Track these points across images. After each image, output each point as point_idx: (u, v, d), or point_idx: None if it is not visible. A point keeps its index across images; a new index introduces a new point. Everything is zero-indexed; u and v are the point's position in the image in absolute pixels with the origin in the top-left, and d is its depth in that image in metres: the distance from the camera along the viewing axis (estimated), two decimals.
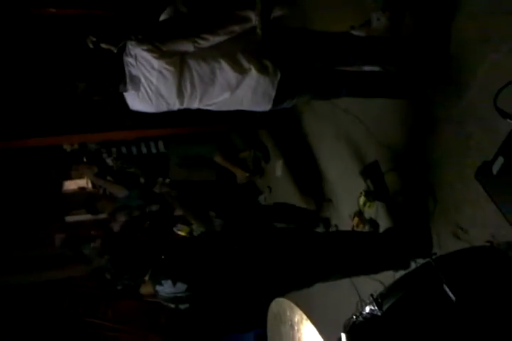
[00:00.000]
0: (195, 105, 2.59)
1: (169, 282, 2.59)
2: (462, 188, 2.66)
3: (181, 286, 2.58)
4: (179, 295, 2.61)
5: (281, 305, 2.05)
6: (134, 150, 4.98)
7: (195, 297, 2.65)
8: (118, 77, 2.45)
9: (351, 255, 2.85)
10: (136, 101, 2.56)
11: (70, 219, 6.27)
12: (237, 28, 2.43)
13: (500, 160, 1.77)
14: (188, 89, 2.46)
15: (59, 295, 5.99)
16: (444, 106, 2.77)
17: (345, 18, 3.39)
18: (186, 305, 2.67)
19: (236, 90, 2.49)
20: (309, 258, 2.78)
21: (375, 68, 2.89)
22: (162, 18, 2.65)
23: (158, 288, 2.63)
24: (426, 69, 2.79)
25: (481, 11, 2.51)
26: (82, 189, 6.38)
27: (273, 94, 2.51)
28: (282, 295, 3.02)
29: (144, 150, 5.00)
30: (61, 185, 6.31)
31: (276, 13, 2.54)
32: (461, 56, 2.63)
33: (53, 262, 5.54)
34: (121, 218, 4.63)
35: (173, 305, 2.69)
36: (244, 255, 2.74)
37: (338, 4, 3.62)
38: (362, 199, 3.46)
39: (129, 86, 2.47)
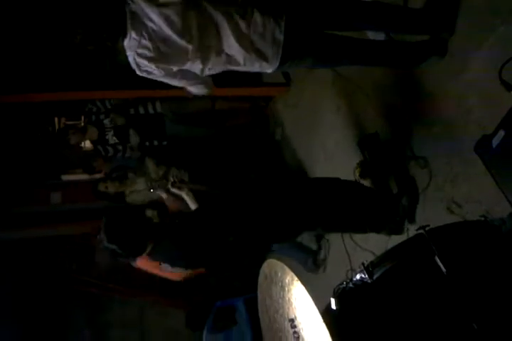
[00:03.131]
0: (205, 58, 2.47)
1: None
2: (460, 163, 2.66)
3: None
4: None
5: (272, 266, 2.07)
6: (131, 110, 4.91)
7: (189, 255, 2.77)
8: (118, 23, 2.36)
9: (333, 201, 2.97)
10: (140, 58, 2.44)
11: (66, 178, 6.27)
12: None
13: (501, 133, 1.76)
14: (193, 32, 2.37)
15: (55, 251, 6.05)
16: (447, 78, 2.75)
17: None
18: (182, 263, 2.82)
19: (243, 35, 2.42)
20: (294, 203, 2.91)
21: (380, 35, 2.84)
22: None
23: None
24: (432, 36, 2.74)
25: None
26: (79, 148, 6.34)
27: (281, 38, 2.43)
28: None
29: (142, 110, 4.92)
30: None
31: None
32: (468, 26, 2.59)
33: (48, 219, 5.57)
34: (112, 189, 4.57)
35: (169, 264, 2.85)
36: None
37: None
38: (357, 170, 3.45)
39: (129, 30, 2.35)
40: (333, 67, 2.89)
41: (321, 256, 4.30)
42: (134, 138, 4.87)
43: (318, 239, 4.32)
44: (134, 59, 2.42)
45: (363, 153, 3.43)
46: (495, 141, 1.78)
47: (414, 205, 3.03)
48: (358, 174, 3.44)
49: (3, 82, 4.23)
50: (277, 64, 2.51)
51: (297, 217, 2.95)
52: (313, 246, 4.37)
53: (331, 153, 4.02)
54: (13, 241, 5.51)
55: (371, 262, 1.74)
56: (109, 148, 4.87)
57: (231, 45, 2.44)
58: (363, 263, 1.73)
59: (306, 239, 4.31)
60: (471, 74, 2.59)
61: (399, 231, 3.07)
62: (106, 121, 4.87)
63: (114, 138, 4.85)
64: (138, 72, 2.49)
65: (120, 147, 4.87)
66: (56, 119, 5.94)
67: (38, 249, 5.87)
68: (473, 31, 2.57)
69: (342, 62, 2.86)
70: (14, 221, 5.37)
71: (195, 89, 2.69)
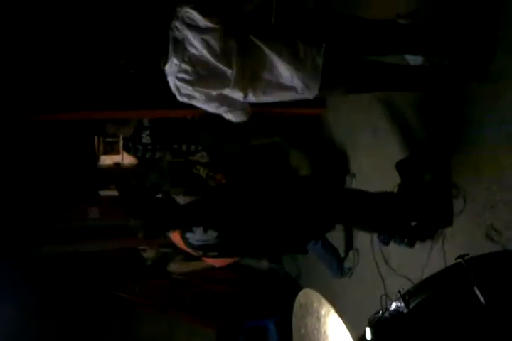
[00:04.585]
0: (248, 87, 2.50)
1: (200, 229, 2.65)
2: (499, 189, 2.61)
3: (212, 233, 2.64)
4: (210, 242, 2.67)
5: (308, 296, 2.06)
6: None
7: (224, 244, 2.73)
8: (161, 48, 2.43)
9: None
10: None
11: (104, 193, 6.37)
12: None
13: None
14: (233, 57, 2.42)
15: (89, 267, 6.13)
16: (487, 103, 2.72)
17: (392, 5, 3.33)
18: (215, 254, 2.75)
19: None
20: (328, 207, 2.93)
21: (419, 60, 2.84)
22: None
23: (188, 235, 2.71)
24: (470, 62, 2.73)
25: None
26: (117, 165, 6.46)
27: (321, 65, 2.45)
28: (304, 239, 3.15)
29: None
30: (97, 160, 6.40)
31: None
32: (508, 51, 2.57)
33: (87, 234, 5.66)
34: None
35: (201, 253, 2.78)
36: (267, 203, 2.83)
37: None
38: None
39: (171, 55, 2.42)
40: (371, 91, 2.90)
41: (348, 264, 4.28)
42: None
43: (348, 248, 4.30)
44: (175, 83, 2.48)
45: (401, 176, 3.39)
46: None
47: (442, 227, 3.01)
48: None
49: (46, 101, 4.35)
50: (316, 91, 2.52)
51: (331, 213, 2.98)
52: (342, 254, 4.36)
53: (367, 173, 4.00)
54: (51, 256, 5.60)
55: (408, 290, 1.72)
56: (140, 147, 4.98)
57: (273, 73, 2.47)
58: (399, 291, 1.72)
59: (337, 245, 4.30)
60: (509, 101, 2.55)
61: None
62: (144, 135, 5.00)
63: (148, 137, 4.97)
64: (179, 97, 2.55)
65: (150, 147, 4.98)
66: (96, 138, 6.07)
67: (74, 263, 5.95)
68: None
69: (380, 88, 2.87)
70: (53, 236, 5.47)
71: (233, 117, 2.70)
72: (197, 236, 2.67)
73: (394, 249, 3.31)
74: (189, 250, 2.90)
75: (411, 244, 3.18)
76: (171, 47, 2.41)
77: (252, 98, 2.54)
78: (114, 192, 6.22)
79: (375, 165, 3.88)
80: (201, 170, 5.18)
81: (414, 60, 2.91)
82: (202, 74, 2.43)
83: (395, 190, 3.40)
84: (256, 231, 2.76)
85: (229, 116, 2.68)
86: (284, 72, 2.46)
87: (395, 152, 3.51)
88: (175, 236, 2.93)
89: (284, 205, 2.85)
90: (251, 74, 2.47)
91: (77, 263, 5.96)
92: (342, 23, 2.68)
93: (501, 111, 2.62)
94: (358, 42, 2.65)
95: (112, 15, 4.02)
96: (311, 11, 2.89)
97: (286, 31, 2.55)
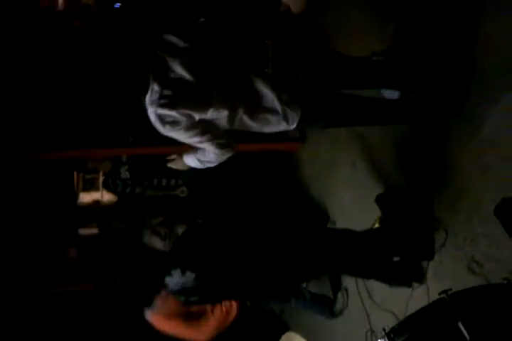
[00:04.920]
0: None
1: (178, 271, 2.61)
2: (479, 222, 2.63)
3: (190, 275, 2.60)
4: (188, 285, 2.63)
5: (292, 339, 2.02)
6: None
7: (203, 286, 2.67)
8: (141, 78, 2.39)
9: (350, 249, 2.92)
10: None
11: (83, 232, 6.27)
12: None
13: None
14: (215, 78, 2.43)
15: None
16: (464, 135, 2.76)
17: (367, 43, 3.41)
18: (196, 298, 2.70)
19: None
20: (310, 252, 2.85)
21: (396, 94, 2.88)
22: None
23: (167, 279, 2.65)
24: (446, 96, 2.78)
25: (506, 42, 2.51)
26: (96, 202, 6.41)
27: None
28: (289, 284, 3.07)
29: None
30: (76, 197, 6.34)
31: None
32: (483, 85, 2.62)
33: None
34: None
35: (183, 299, 2.72)
36: (248, 244, 2.78)
37: (360, 28, 3.65)
38: (377, 226, 3.43)
39: (151, 83, 2.37)
40: (348, 126, 2.94)
41: (339, 305, 4.21)
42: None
43: (335, 288, 4.24)
44: (156, 113, 2.39)
45: (382, 209, 3.40)
46: None
47: (423, 261, 3.00)
48: None
49: (33, 140, 4.34)
50: (295, 124, 2.54)
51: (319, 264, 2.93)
52: (330, 295, 4.29)
53: (348, 209, 3.99)
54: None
55: (392, 328, 1.69)
56: (119, 182, 4.95)
57: (256, 93, 2.48)
58: (384, 329, 1.69)
59: (323, 288, 4.24)
60: (487, 131, 2.60)
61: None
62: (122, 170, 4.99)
63: (127, 172, 4.94)
64: (162, 130, 2.44)
65: (129, 182, 4.95)
66: (76, 174, 6.02)
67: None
68: (488, 90, 2.59)
69: (357, 122, 2.90)
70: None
71: (218, 151, 2.54)
72: (175, 279, 2.63)
73: (377, 283, 3.28)
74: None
75: (400, 284, 3.14)
76: (151, 75, 2.36)
77: (237, 121, 2.49)
78: (95, 230, 6.14)
79: (355, 200, 3.88)
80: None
81: (391, 94, 2.95)
82: (184, 96, 2.38)
83: (376, 223, 3.41)
84: (234, 273, 2.73)
85: (213, 150, 2.53)
86: (267, 93, 2.47)
87: (375, 186, 3.52)
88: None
89: (263, 248, 2.82)
90: (234, 93, 2.45)
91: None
92: (321, 56, 2.72)
93: (478, 143, 2.65)
94: (335, 76, 2.69)
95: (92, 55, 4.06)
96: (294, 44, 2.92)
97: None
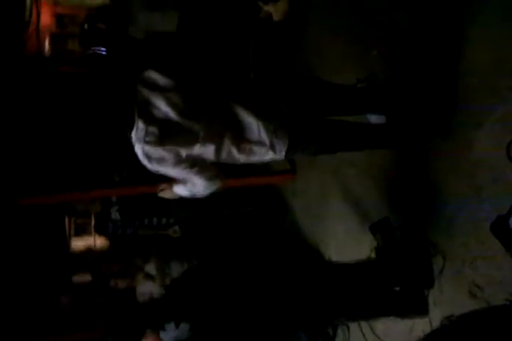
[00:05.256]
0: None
1: (172, 325, 2.55)
2: (476, 244, 2.57)
3: (184, 326, 2.55)
4: (183, 337, 2.58)
5: None
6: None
7: (199, 336, 2.63)
8: (126, 116, 2.38)
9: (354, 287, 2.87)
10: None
11: (76, 279, 6.13)
12: None
13: None
14: (200, 112, 2.41)
15: None
16: (453, 157, 2.73)
17: (350, 69, 3.42)
18: None
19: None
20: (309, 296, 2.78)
21: (381, 119, 2.87)
22: None
23: (162, 334, 2.58)
24: (433, 119, 2.77)
25: (487, 64, 2.52)
26: (89, 249, 6.29)
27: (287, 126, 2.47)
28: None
29: None
30: (68, 243, 6.23)
31: None
32: (469, 105, 2.62)
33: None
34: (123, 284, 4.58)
35: None
36: (241, 291, 2.72)
37: (344, 54, 3.68)
38: (373, 255, 3.35)
39: (137, 120, 2.37)
40: (336, 152, 2.91)
41: None
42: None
43: (335, 326, 4.11)
44: (143, 149, 2.37)
45: (376, 239, 3.33)
46: None
47: (425, 289, 2.91)
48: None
49: (22, 184, 4.29)
50: (283, 153, 2.51)
51: (319, 307, 2.82)
52: (330, 331, 4.16)
53: (342, 240, 3.92)
54: None
55: None
56: (110, 224, 4.88)
57: (241, 125, 2.45)
58: None
59: None
60: (477, 152, 2.58)
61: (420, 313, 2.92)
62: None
63: (117, 213, 4.87)
64: (149, 166, 2.42)
65: (120, 223, 4.89)
66: (67, 219, 5.93)
67: None
68: (473, 110, 2.59)
69: (346, 148, 2.87)
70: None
71: (206, 184, 2.52)
72: (170, 333, 2.55)
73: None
74: None
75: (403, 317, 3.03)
76: (136, 113, 2.35)
77: (223, 154, 2.46)
78: (88, 277, 6.01)
79: (349, 231, 3.82)
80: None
81: (377, 118, 2.93)
82: (169, 133, 2.36)
83: (372, 253, 3.34)
84: (229, 321, 2.64)
85: (201, 183, 2.51)
86: (251, 123, 2.45)
87: (368, 215, 3.47)
88: None
89: (259, 293, 2.75)
90: (219, 127, 2.43)
91: None
92: (306, 83, 2.72)
93: (468, 164, 2.63)
94: (320, 104, 2.68)
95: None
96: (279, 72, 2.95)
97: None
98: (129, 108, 2.37)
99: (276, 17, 4.45)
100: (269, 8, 4.41)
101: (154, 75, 2.43)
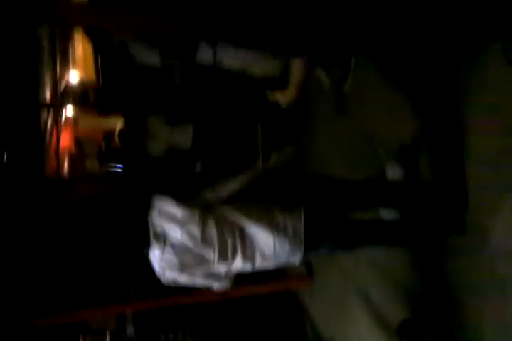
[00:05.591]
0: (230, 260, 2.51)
1: None
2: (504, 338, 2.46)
3: None
4: None
5: None
6: None
7: None
8: (142, 237, 2.46)
9: None
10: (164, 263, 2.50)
11: None
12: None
13: None
14: (214, 240, 2.44)
15: None
16: (471, 250, 2.69)
17: (362, 168, 3.48)
18: None
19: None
20: None
21: (394, 214, 2.87)
22: None
23: None
24: (447, 213, 2.77)
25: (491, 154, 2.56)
26: None
27: (302, 230, 2.48)
28: None
29: None
30: None
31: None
32: (481, 201, 2.62)
33: None
34: None
35: None
36: None
37: (353, 154, 3.77)
38: None
39: (153, 244, 2.44)
40: (353, 250, 2.89)
41: None
42: None
43: None
44: (160, 267, 2.47)
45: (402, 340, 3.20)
46: None
47: None
48: None
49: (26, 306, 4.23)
50: (301, 255, 2.52)
51: None
52: None
53: None
54: None
55: None
56: None
57: (256, 246, 2.48)
58: None
59: None
60: (495, 242, 2.53)
61: None
62: None
63: (132, 328, 4.75)
64: (164, 280, 2.51)
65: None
66: (81, 337, 5.77)
67: None
68: (487, 203, 2.59)
69: (362, 245, 2.85)
70: None
71: (216, 286, 2.61)
72: None
73: None
74: None
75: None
76: (152, 237, 2.43)
77: (235, 267, 2.51)
78: None
79: (371, 330, 3.66)
80: None
81: (390, 214, 2.94)
82: (185, 263, 2.44)
83: None
84: None
85: (211, 285, 2.58)
86: (266, 242, 2.47)
87: (393, 315, 3.35)
88: None
89: None
90: (232, 249, 2.46)
91: None
92: (318, 183, 2.77)
93: (487, 257, 2.57)
94: (335, 201, 2.72)
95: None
96: (287, 174, 3.01)
97: (263, 196, 2.61)
98: (144, 232, 2.45)
99: (283, 104, 4.63)
100: (276, 95, 4.60)
101: (172, 208, 2.46)
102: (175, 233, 2.42)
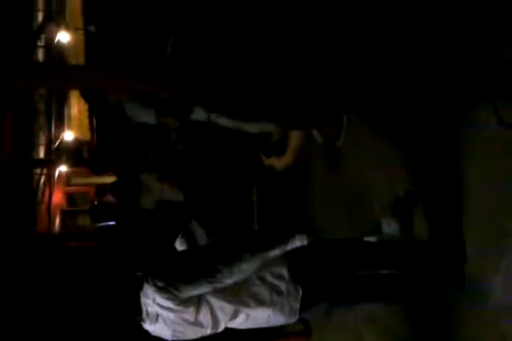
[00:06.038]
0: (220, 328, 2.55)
1: None
2: None
3: None
4: None
5: None
6: None
7: None
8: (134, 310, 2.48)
9: None
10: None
11: None
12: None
13: None
14: (209, 322, 2.47)
15: None
16: (472, 307, 2.66)
17: (356, 224, 3.49)
18: None
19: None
20: None
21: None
22: (177, 245, 2.82)
23: None
24: (444, 270, 2.76)
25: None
26: None
27: (297, 307, 2.51)
28: None
29: None
30: None
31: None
32: (481, 252, 2.62)
33: None
34: None
35: None
36: None
37: (347, 210, 3.79)
38: None
39: (145, 320, 2.48)
40: (351, 307, 2.87)
41: None
42: None
43: None
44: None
45: None
46: None
47: None
48: None
49: None
50: (296, 316, 2.54)
51: None
52: None
53: None
54: None
55: None
56: None
57: (251, 321, 2.52)
58: None
59: None
60: (495, 297, 2.51)
61: None
62: None
63: None
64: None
65: None
66: None
67: None
68: (485, 255, 2.59)
69: (360, 302, 2.85)
70: None
71: None
72: None
73: None
74: None
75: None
76: (143, 314, 2.46)
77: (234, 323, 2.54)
78: None
79: None
80: None
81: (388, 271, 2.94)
82: (177, 334, 2.48)
83: None
84: None
85: None
86: (260, 316, 2.51)
87: None
88: None
89: None
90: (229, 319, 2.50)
91: None
92: (313, 248, 2.77)
93: (488, 312, 2.55)
94: (329, 263, 2.71)
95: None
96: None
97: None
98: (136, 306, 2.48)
99: (279, 169, 4.72)
100: (271, 161, 4.67)
101: (168, 303, 2.41)
102: (168, 316, 2.43)
